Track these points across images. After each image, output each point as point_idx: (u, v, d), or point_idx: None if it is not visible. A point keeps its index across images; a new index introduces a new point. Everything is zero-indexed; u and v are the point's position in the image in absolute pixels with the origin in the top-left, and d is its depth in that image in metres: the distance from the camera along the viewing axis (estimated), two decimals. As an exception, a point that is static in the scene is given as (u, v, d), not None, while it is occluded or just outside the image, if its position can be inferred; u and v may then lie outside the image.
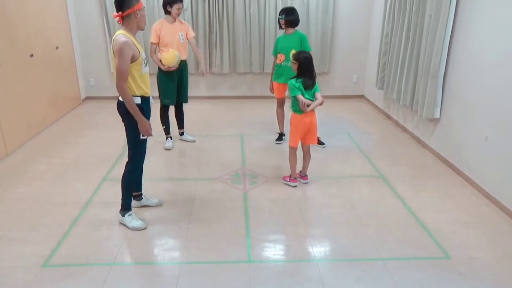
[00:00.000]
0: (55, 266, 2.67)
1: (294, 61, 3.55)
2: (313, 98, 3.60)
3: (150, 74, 6.81)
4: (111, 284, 2.51)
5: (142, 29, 2.88)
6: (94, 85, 6.70)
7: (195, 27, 6.31)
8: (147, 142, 3.07)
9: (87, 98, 6.71)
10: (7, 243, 2.90)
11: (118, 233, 3.03)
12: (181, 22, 4.49)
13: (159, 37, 4.33)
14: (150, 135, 2.91)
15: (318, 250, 2.86)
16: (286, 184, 3.79)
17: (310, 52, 4.52)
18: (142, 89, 2.87)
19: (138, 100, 2.85)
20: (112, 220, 3.18)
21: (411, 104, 4.84)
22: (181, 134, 4.94)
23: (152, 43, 4.36)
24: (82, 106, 6.40)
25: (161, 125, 4.69)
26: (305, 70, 3.52)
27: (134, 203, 3.30)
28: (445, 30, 4.04)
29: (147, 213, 3.30)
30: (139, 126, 2.84)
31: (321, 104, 3.60)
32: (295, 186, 3.75)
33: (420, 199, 3.55)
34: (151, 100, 3.04)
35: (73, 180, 3.88)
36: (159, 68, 4.47)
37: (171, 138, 4.75)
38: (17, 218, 3.22)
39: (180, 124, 4.92)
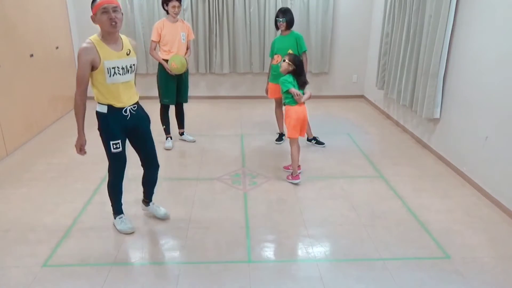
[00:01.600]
0: (55, 266, 2.67)
1: (290, 63, 3.73)
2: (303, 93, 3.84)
3: (149, 73, 6.79)
4: (111, 284, 2.50)
5: (109, 32, 2.56)
6: (94, 85, 6.68)
7: (195, 27, 6.31)
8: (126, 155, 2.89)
9: (87, 98, 6.69)
10: (7, 243, 2.90)
11: (118, 233, 3.02)
12: (183, 22, 4.51)
13: (160, 35, 4.35)
14: (80, 154, 2.81)
15: (318, 250, 2.86)
16: (290, 182, 3.82)
17: (306, 52, 4.59)
18: (107, 99, 2.67)
19: (104, 109, 2.69)
20: (112, 220, 3.18)
21: (411, 104, 4.84)
22: (181, 134, 4.94)
23: (152, 41, 4.40)
24: (82, 106, 6.38)
25: (161, 125, 4.70)
26: (300, 72, 3.78)
27: (142, 206, 3.26)
28: (445, 30, 4.04)
29: (147, 213, 3.29)
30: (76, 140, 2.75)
31: (310, 97, 3.82)
32: (297, 184, 3.79)
33: (420, 199, 3.55)
34: (128, 112, 2.74)
35: (73, 180, 3.88)
36: (159, 68, 4.48)
37: (171, 138, 4.76)
38: (17, 218, 3.22)
39: (180, 124, 4.92)
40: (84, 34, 6.40)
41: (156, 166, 3.07)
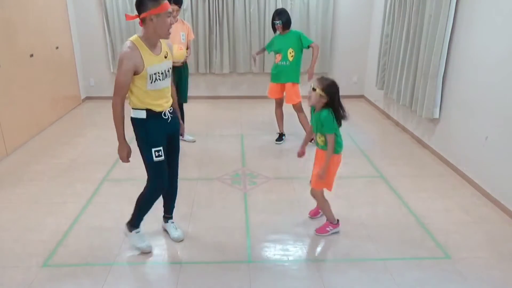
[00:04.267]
0: (55, 266, 2.67)
1: (322, 93, 2.69)
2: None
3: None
4: (111, 284, 2.50)
5: (164, 38, 2.45)
6: (94, 85, 6.69)
7: (195, 27, 6.31)
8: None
9: (87, 98, 6.71)
10: (7, 243, 2.90)
11: (118, 233, 3.01)
12: (183, 23, 4.51)
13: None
14: (125, 161, 2.60)
15: (318, 250, 2.86)
16: (333, 233, 3.02)
17: (314, 43, 4.44)
18: (145, 104, 2.48)
19: (142, 114, 2.49)
20: (112, 220, 3.18)
21: (410, 104, 4.84)
22: (181, 134, 4.93)
23: None
24: (82, 106, 6.40)
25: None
26: (337, 104, 2.76)
27: (162, 223, 3.04)
28: (445, 30, 4.04)
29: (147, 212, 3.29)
30: (118, 149, 2.57)
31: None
32: (338, 232, 3.06)
33: (420, 199, 3.55)
34: (168, 115, 2.57)
35: (73, 180, 3.88)
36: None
37: (171, 138, 4.75)
38: (17, 218, 3.22)
39: (180, 124, 4.91)
40: (84, 34, 6.41)
41: (176, 175, 2.87)
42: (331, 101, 2.73)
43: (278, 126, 4.96)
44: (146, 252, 2.78)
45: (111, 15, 6.19)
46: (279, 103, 4.83)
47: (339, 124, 2.81)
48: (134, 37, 2.44)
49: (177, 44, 4.40)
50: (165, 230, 3.02)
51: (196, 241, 2.94)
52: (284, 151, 4.64)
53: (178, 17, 4.43)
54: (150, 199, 2.71)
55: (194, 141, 4.91)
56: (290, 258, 2.78)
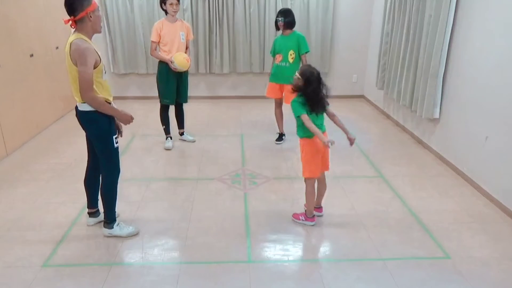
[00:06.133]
0: (55, 266, 2.67)
1: (299, 76, 2.87)
2: (323, 121, 3.02)
3: (149, 73, 6.80)
4: (111, 284, 2.51)
5: (99, 32, 2.71)
6: (94, 85, 6.68)
7: (195, 27, 6.31)
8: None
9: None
10: (7, 243, 2.90)
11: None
12: (183, 23, 4.51)
13: (159, 36, 4.36)
14: (132, 119, 2.79)
15: (318, 250, 2.86)
16: (302, 223, 3.14)
17: (307, 54, 4.50)
18: (103, 95, 2.68)
19: None
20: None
21: (410, 104, 4.84)
22: (181, 134, 4.94)
23: (152, 41, 4.40)
24: (82, 106, 6.38)
25: (161, 125, 4.70)
26: (311, 91, 2.85)
27: (90, 220, 3.10)
28: (445, 30, 4.04)
29: (148, 213, 3.30)
30: (121, 119, 2.74)
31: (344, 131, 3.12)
32: (313, 225, 3.13)
33: (420, 199, 3.55)
34: (113, 105, 2.77)
35: (73, 180, 3.87)
36: (159, 68, 4.49)
37: (171, 138, 4.75)
38: (17, 218, 3.22)
39: (180, 124, 4.92)
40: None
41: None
42: (306, 86, 2.84)
43: (278, 126, 4.96)
44: (136, 233, 2.97)
45: (111, 15, 6.19)
46: (279, 103, 4.83)
47: (314, 111, 2.91)
48: (77, 35, 2.58)
49: (182, 51, 4.40)
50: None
51: (196, 241, 2.94)
52: (284, 151, 4.64)
53: (177, 16, 4.44)
54: (115, 184, 2.88)
55: (194, 141, 4.91)
56: (290, 258, 2.78)
